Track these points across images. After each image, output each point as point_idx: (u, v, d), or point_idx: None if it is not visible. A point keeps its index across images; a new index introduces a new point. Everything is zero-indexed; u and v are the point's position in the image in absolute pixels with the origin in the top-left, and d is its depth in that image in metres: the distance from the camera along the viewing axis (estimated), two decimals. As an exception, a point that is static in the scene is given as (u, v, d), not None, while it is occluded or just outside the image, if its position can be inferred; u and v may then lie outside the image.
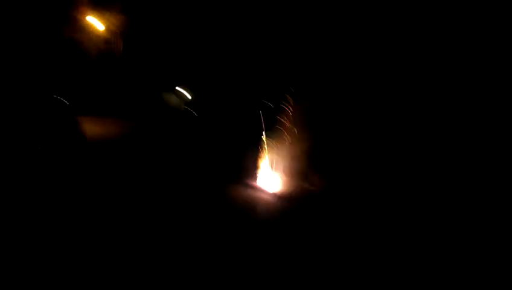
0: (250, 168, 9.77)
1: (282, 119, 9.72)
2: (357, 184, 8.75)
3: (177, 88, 23.99)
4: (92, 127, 15.21)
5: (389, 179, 8.66)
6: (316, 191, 9.18)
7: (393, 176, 8.69)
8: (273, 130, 9.50)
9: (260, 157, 9.63)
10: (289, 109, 9.74)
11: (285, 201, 8.32)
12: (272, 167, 9.56)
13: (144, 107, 23.53)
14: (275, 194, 8.73)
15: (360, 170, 9.28)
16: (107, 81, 21.79)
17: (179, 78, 23.19)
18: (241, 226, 6.16)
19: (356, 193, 8.37)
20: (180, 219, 6.23)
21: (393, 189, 8.21)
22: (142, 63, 22.68)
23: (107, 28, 20.37)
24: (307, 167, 9.52)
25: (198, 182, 8.89)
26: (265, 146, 9.42)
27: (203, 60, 21.30)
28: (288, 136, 9.45)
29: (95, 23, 20.01)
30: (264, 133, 9.43)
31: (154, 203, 7.15)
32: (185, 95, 25.42)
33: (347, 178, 9.22)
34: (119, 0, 20.09)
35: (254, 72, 15.87)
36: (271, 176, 9.41)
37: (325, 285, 4.16)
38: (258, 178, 9.49)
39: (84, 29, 21.16)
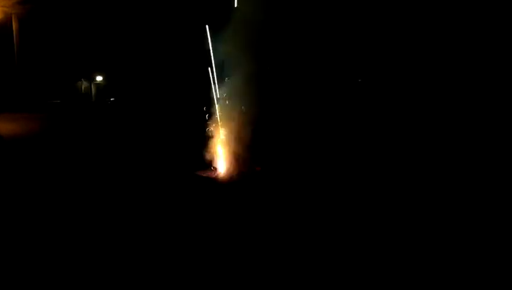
0: (200, 156, 9.85)
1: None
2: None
3: (93, 75, 22.10)
4: (3, 125, 13.83)
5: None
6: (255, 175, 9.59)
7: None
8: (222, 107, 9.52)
9: (210, 140, 9.71)
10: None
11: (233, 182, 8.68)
12: (222, 154, 9.75)
13: (54, 96, 21.30)
14: (224, 178, 9.00)
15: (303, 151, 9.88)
16: (6, 70, 19.14)
17: (91, 65, 21.36)
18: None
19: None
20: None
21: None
22: (46, 48, 20.26)
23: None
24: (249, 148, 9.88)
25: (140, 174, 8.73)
26: (217, 128, 9.51)
27: (118, 42, 20.01)
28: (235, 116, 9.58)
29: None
30: (213, 114, 9.43)
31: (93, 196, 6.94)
32: (99, 81, 23.54)
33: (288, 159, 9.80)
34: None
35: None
36: (221, 163, 9.62)
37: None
38: (209, 166, 9.64)
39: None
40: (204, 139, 9.34)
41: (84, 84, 22.68)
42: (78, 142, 12.25)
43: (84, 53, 20.97)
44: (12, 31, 18.59)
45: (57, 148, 10.94)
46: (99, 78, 22.62)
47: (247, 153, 9.40)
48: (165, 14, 17.90)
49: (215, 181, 8.59)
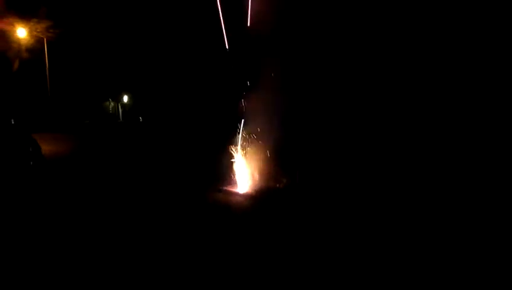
0: (222, 172, 9.74)
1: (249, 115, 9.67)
2: (328, 179, 9.14)
3: (121, 95, 22.80)
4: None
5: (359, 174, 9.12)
6: (283, 188, 9.38)
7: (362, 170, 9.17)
8: (246, 128, 9.48)
9: (233, 159, 9.61)
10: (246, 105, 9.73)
11: (257, 201, 8.41)
12: (245, 168, 9.62)
13: (82, 118, 21.94)
14: (247, 196, 8.78)
15: (328, 165, 9.68)
16: (37, 93, 19.90)
17: (118, 85, 21.96)
18: (214, 231, 6.05)
19: (328, 189, 8.71)
20: (152, 234, 5.99)
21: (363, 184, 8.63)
22: (74, 71, 21.03)
23: (32, 35, 18.62)
24: (275, 165, 9.71)
25: (160, 192, 8.63)
26: (239, 147, 9.42)
27: (144, 63, 20.49)
28: (255, 134, 9.49)
29: (18, 30, 18.17)
30: (239, 132, 9.39)
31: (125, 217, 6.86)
32: (126, 102, 24.21)
33: (315, 174, 9.60)
34: (44, 3, 18.45)
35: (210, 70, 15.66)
36: (244, 178, 9.46)
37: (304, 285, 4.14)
38: (231, 181, 9.48)
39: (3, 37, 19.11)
40: (227, 155, 9.30)
41: (111, 105, 23.30)
42: (107, 159, 12.53)
43: (111, 74, 21.61)
44: (45, 54, 19.33)
45: (87, 166, 11.20)
46: (125, 99, 23.18)
47: (270, 167, 9.24)
48: (191, 36, 18.25)
49: (237, 197, 8.44)
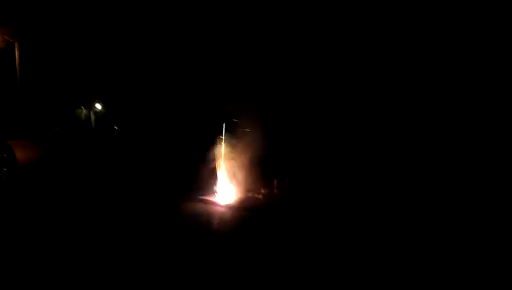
0: (202, 181, 9.76)
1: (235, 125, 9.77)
2: (314, 186, 9.29)
3: (93, 102, 22.29)
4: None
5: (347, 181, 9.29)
6: (265, 199, 9.49)
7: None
8: (231, 136, 9.57)
9: (214, 168, 9.64)
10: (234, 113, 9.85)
11: (239, 211, 8.50)
12: (227, 177, 9.67)
13: (52, 125, 21.41)
14: (228, 206, 8.86)
15: (313, 172, 9.80)
16: (5, 97, 19.27)
17: (91, 92, 21.60)
18: (191, 244, 6.00)
19: (314, 196, 8.87)
20: (124, 243, 5.94)
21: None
22: (46, 76, 20.52)
23: (2, 38, 18.06)
24: (258, 175, 9.83)
25: (137, 201, 8.57)
26: (221, 155, 9.51)
27: (119, 69, 20.23)
28: (240, 142, 9.59)
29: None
30: (220, 139, 9.46)
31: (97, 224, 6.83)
32: (99, 109, 23.65)
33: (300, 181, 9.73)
34: (15, 8, 17.97)
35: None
36: (225, 187, 9.53)
37: None
38: (211, 191, 9.53)
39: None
40: (207, 162, 9.32)
41: (83, 112, 22.78)
42: (80, 166, 12.35)
43: (83, 81, 21.21)
44: (15, 59, 18.80)
45: (69, 173, 11.07)
46: (98, 106, 22.81)
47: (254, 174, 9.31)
48: (165, 43, 18.25)
49: (218, 207, 8.46)
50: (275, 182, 9.33)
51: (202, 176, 9.59)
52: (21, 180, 9.73)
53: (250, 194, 9.36)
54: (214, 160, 9.37)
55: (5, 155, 9.11)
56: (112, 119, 23.22)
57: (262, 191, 9.31)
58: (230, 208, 8.42)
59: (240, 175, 9.42)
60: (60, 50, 20.33)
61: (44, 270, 4.81)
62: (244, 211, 8.26)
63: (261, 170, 9.54)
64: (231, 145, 9.34)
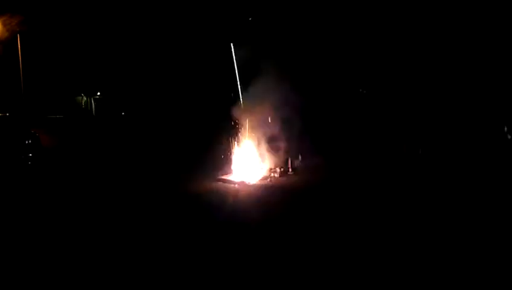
0: (219, 160, 10.09)
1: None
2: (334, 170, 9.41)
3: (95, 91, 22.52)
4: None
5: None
6: (280, 176, 9.71)
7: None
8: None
9: (231, 148, 9.97)
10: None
11: (257, 189, 8.74)
12: (242, 158, 9.91)
13: (55, 111, 21.61)
14: (246, 184, 9.15)
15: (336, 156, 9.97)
16: (11, 86, 19.47)
17: (92, 80, 21.77)
18: (206, 223, 6.09)
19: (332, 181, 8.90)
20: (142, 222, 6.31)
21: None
22: (47, 64, 20.68)
23: (5, 29, 18.27)
24: (273, 155, 10.10)
25: (156, 180, 8.92)
26: (238, 135, 9.84)
27: (121, 57, 20.49)
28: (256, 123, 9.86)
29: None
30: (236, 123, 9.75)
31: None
32: (98, 96, 23.81)
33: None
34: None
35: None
36: (242, 166, 9.74)
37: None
38: (228, 170, 9.88)
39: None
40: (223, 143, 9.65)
41: (84, 99, 23.11)
42: (84, 154, 12.43)
43: (84, 68, 21.43)
44: (18, 48, 19.06)
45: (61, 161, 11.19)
46: (98, 93, 23.10)
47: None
48: (168, 30, 18.56)
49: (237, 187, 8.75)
50: (289, 161, 9.70)
51: (219, 157, 9.86)
52: (46, 165, 10.05)
53: (266, 173, 9.57)
54: (230, 141, 9.69)
55: (30, 141, 9.64)
56: (115, 106, 23.40)
57: (278, 169, 9.57)
58: (250, 186, 8.73)
59: (255, 155, 9.72)
60: (61, 38, 20.50)
61: (87, 234, 5.55)
62: (262, 188, 8.51)
63: (276, 149, 9.81)
64: (246, 126, 9.66)
